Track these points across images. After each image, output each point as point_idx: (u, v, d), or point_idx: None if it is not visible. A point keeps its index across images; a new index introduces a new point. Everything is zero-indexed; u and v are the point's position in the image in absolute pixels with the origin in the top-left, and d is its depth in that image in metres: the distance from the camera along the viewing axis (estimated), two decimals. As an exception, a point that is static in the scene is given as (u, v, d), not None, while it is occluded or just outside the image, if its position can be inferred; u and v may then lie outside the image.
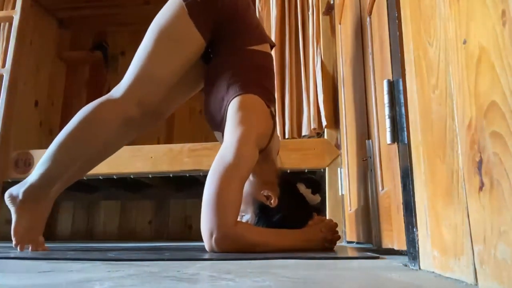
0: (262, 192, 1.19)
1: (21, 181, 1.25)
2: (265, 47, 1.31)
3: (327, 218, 1.61)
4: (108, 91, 1.31)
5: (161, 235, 3.00)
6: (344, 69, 1.80)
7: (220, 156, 1.06)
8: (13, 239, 1.19)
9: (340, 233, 1.19)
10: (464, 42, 0.46)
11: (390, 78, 0.76)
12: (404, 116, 0.69)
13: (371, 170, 1.15)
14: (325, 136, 2.09)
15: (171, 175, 2.23)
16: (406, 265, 0.66)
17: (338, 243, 1.31)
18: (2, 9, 2.72)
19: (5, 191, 1.24)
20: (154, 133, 3.16)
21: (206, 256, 0.88)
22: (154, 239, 2.94)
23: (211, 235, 0.96)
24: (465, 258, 0.45)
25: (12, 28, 2.53)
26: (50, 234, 3.00)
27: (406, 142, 0.68)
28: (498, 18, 0.39)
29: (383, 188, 1.03)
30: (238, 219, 1.10)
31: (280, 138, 1.84)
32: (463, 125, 0.46)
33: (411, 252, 0.64)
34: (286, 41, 2.29)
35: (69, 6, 3.14)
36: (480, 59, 0.42)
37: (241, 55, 1.27)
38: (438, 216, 0.54)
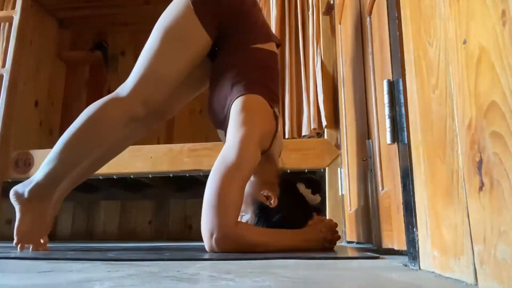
0: (262, 192, 1.19)
1: (21, 181, 1.25)
2: (270, 46, 1.31)
3: (327, 218, 1.61)
4: (108, 91, 1.31)
5: (161, 235, 3.00)
6: (344, 69, 1.80)
7: (222, 156, 1.06)
8: (14, 237, 1.19)
9: (340, 233, 1.19)
10: (464, 42, 0.46)
11: (390, 78, 0.76)
12: (404, 116, 0.69)
13: (371, 170, 1.15)
14: (325, 136, 2.09)
15: (171, 175, 2.23)
16: (406, 265, 0.66)
17: (338, 243, 1.31)
18: (2, 9, 2.72)
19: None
20: (154, 133, 3.16)
21: (206, 256, 0.88)
22: (154, 239, 2.94)
23: (211, 235, 0.96)
24: (465, 258, 0.45)
25: (12, 28, 2.53)
26: (50, 234, 2.99)
27: (406, 142, 0.68)
28: (498, 18, 0.39)
29: (383, 188, 1.03)
30: (238, 219, 1.10)
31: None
32: (463, 125, 0.46)
33: (411, 252, 0.64)
34: (286, 41, 2.29)
35: (69, 6, 3.14)
36: (480, 59, 0.42)
37: (246, 53, 1.27)
38: (438, 216, 0.54)
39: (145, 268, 0.63)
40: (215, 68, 1.30)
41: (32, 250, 1.18)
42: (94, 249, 1.27)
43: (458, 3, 0.48)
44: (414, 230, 0.62)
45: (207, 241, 0.97)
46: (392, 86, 0.75)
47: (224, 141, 1.24)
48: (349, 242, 1.74)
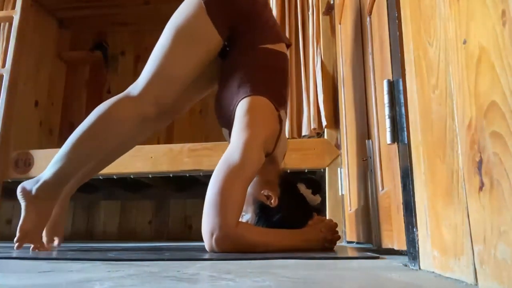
0: (262, 192, 1.19)
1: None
2: (280, 47, 1.31)
3: (327, 218, 1.61)
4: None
5: (161, 235, 3.00)
6: (344, 69, 1.80)
7: (225, 157, 1.06)
8: (17, 234, 1.19)
9: (340, 233, 1.19)
10: (464, 42, 0.46)
11: (390, 78, 0.76)
12: (404, 116, 0.69)
13: (371, 170, 1.15)
14: (325, 136, 2.09)
15: (171, 175, 2.23)
16: (406, 265, 0.66)
17: (338, 243, 1.31)
18: (2, 9, 2.72)
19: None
20: (154, 133, 3.16)
21: (206, 256, 0.88)
22: (154, 239, 2.94)
23: (212, 235, 0.96)
24: (465, 258, 0.45)
25: (12, 28, 2.53)
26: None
27: (406, 142, 0.68)
28: (498, 18, 0.39)
29: (383, 188, 1.03)
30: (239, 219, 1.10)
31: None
32: (463, 125, 0.46)
33: (411, 252, 0.64)
34: (286, 41, 2.28)
35: (69, 6, 3.14)
36: (480, 59, 0.42)
37: (255, 53, 1.26)
38: (438, 216, 0.54)
39: (145, 268, 0.63)
40: (225, 67, 1.30)
41: (33, 250, 1.18)
42: (94, 249, 1.27)
43: (458, 3, 0.48)
44: (414, 230, 0.62)
45: (207, 241, 0.97)
46: (392, 86, 0.74)
47: (228, 140, 1.24)
48: (349, 242, 1.74)
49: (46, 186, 1.20)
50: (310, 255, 0.88)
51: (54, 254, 1.04)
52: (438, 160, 0.54)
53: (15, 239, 1.18)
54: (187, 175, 2.21)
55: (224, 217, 0.96)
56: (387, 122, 0.74)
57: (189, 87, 1.30)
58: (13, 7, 2.63)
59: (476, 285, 0.43)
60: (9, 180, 2.28)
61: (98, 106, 1.24)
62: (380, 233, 1.05)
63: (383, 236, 1.01)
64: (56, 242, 1.34)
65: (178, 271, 0.59)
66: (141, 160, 2.17)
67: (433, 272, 0.55)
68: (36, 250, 1.17)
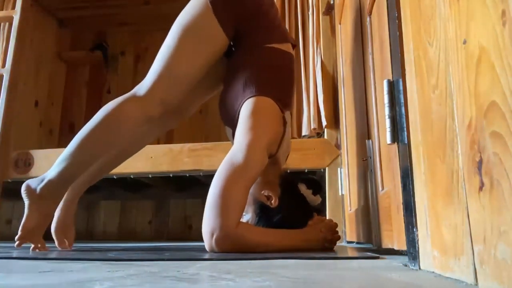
0: (262, 192, 1.19)
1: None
2: (286, 47, 1.31)
3: (327, 218, 1.61)
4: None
5: (161, 235, 3.00)
6: (344, 69, 1.80)
7: (229, 157, 1.06)
8: (19, 232, 1.18)
9: (340, 233, 1.19)
10: (464, 42, 0.46)
11: (390, 78, 0.76)
12: (404, 116, 0.69)
13: (371, 170, 1.15)
14: (325, 136, 2.09)
15: (171, 175, 2.23)
16: (406, 265, 0.66)
17: (338, 243, 1.31)
18: (2, 9, 2.72)
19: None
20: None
21: (206, 256, 0.88)
22: (154, 239, 2.94)
23: (212, 235, 0.96)
24: (465, 258, 0.45)
25: (12, 28, 2.53)
26: (49, 234, 3.00)
27: (406, 142, 0.68)
28: (498, 18, 0.39)
29: (383, 188, 1.03)
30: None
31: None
32: (463, 125, 0.46)
33: (411, 252, 0.64)
34: (286, 41, 2.28)
35: (69, 6, 3.14)
36: (480, 59, 0.42)
37: (261, 52, 1.26)
38: (438, 216, 0.54)
39: (145, 268, 0.63)
40: (230, 66, 1.30)
41: (32, 250, 1.18)
42: (94, 249, 1.27)
43: (458, 3, 0.48)
44: (414, 230, 0.62)
45: (207, 241, 0.97)
46: (392, 86, 0.74)
47: (231, 139, 1.24)
48: (349, 242, 1.74)
49: (51, 185, 1.20)
50: (310, 255, 0.88)
51: (54, 254, 1.04)
52: (438, 160, 0.54)
53: (17, 237, 1.18)
54: (187, 175, 2.21)
55: (225, 218, 0.96)
56: (387, 122, 0.74)
57: (195, 88, 1.30)
58: (13, 7, 2.63)
59: (476, 285, 0.43)
60: (9, 180, 2.28)
61: (104, 106, 1.24)
62: (380, 233, 1.05)
63: (383, 236, 1.01)
64: (66, 243, 1.34)
65: (178, 271, 0.59)
66: (141, 160, 2.17)
67: (433, 272, 0.55)
68: (36, 250, 1.17)
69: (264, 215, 1.18)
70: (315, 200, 1.28)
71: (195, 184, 2.60)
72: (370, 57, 1.16)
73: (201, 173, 2.17)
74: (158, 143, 3.07)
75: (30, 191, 1.20)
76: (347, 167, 1.74)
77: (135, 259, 0.80)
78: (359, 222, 1.40)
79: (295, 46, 1.38)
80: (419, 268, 0.60)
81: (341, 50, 1.89)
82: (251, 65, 1.24)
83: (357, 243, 1.54)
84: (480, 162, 0.42)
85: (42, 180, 1.21)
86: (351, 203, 1.66)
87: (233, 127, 1.20)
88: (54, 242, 1.31)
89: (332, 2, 2.21)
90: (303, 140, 2.13)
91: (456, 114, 0.49)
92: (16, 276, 0.57)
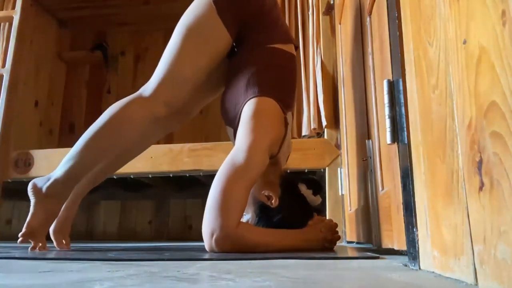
0: (263, 192, 1.19)
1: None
2: (289, 47, 1.31)
3: (327, 218, 1.61)
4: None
5: (161, 235, 3.00)
6: (344, 69, 1.80)
7: (230, 158, 1.06)
8: (23, 229, 1.19)
9: (340, 233, 1.19)
10: (464, 42, 0.46)
11: (390, 78, 0.76)
12: (404, 116, 0.69)
13: (371, 170, 1.15)
14: (325, 136, 2.09)
15: (171, 175, 2.23)
16: (406, 265, 0.66)
17: (338, 243, 1.31)
18: (2, 9, 2.72)
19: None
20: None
21: (206, 256, 0.88)
22: (154, 239, 2.94)
23: (212, 235, 0.96)
24: (465, 258, 0.45)
25: (12, 28, 2.53)
26: (48, 234, 3.00)
27: (406, 142, 0.68)
28: (498, 18, 0.39)
29: (383, 188, 1.03)
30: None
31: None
32: (463, 125, 0.46)
33: (411, 252, 0.64)
34: (286, 41, 2.28)
35: (69, 6, 3.14)
36: (480, 59, 0.42)
37: (263, 52, 1.26)
38: (438, 216, 0.54)
39: (145, 268, 0.63)
40: (232, 66, 1.30)
41: (31, 249, 1.18)
42: (94, 249, 1.27)
43: (458, 3, 0.48)
44: (414, 230, 0.62)
45: (207, 241, 0.97)
46: (392, 86, 0.74)
47: (232, 139, 1.24)
48: (349, 242, 1.74)
49: (56, 185, 1.21)
50: (310, 255, 0.88)
51: (54, 254, 1.04)
52: (438, 160, 0.54)
53: (20, 233, 1.19)
54: (187, 175, 2.21)
55: (225, 218, 0.96)
56: (387, 122, 0.74)
57: (199, 88, 1.30)
58: (13, 7, 2.63)
59: (476, 285, 0.43)
60: (9, 180, 2.28)
61: (111, 106, 1.25)
62: (380, 233, 1.05)
63: (383, 236, 1.01)
64: (64, 243, 1.34)
65: (178, 271, 0.59)
66: (141, 160, 2.16)
67: (433, 272, 0.55)
68: (36, 250, 1.17)
69: (264, 215, 1.18)
70: (315, 200, 1.28)
71: (195, 184, 2.60)
72: (370, 57, 1.16)
73: (201, 173, 2.17)
74: (158, 143, 3.07)
75: (36, 189, 1.21)
76: (347, 167, 1.74)
77: (135, 259, 0.80)
78: (359, 222, 1.40)
79: (297, 47, 1.39)
80: (419, 268, 0.60)
81: (341, 50, 1.89)
82: (253, 65, 1.24)
83: (357, 243, 1.54)
84: (480, 162, 0.42)
85: (48, 179, 1.22)
86: (351, 203, 1.66)
87: (235, 127, 1.20)
88: (52, 242, 1.31)
89: (332, 2, 2.21)
90: (303, 140, 2.13)
91: (456, 114, 0.49)
92: (16, 276, 0.57)
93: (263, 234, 1.07)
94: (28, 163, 2.29)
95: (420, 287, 0.46)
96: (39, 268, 0.67)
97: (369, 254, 0.91)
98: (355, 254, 0.97)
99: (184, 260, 0.81)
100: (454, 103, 0.49)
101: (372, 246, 1.14)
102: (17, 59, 2.50)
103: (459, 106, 0.48)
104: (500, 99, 0.38)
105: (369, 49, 1.17)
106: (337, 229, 1.15)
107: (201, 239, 1.00)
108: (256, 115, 1.14)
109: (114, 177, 2.24)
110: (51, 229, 1.30)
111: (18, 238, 1.19)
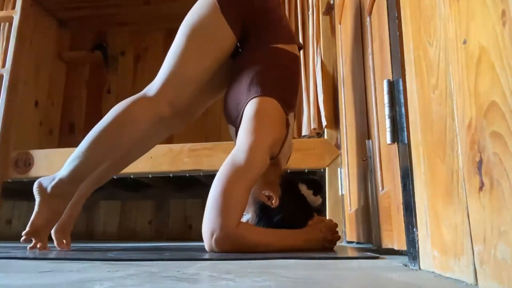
0: (263, 192, 1.19)
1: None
2: (292, 48, 1.30)
3: (327, 218, 1.61)
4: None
5: (161, 235, 3.00)
6: (344, 69, 1.80)
7: (230, 158, 1.06)
8: (27, 227, 1.19)
9: (340, 233, 1.19)
10: (464, 42, 0.46)
11: (390, 78, 0.76)
12: (404, 116, 0.69)
13: (371, 170, 1.15)
14: (325, 136, 2.09)
15: (171, 175, 2.23)
16: (406, 265, 0.66)
17: (338, 243, 1.31)
18: (2, 9, 2.72)
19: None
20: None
21: (206, 256, 0.88)
22: (154, 239, 2.94)
23: (212, 235, 0.96)
24: (465, 258, 0.45)
25: (12, 28, 2.53)
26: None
27: (406, 142, 0.68)
28: (498, 18, 0.39)
29: (383, 188, 1.03)
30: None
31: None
32: (463, 125, 0.46)
33: (411, 252, 0.64)
34: (286, 41, 2.28)
35: (69, 6, 3.13)
36: (480, 59, 0.42)
37: (267, 52, 1.26)
38: (438, 216, 0.54)
39: (145, 268, 0.63)
40: (236, 65, 1.30)
41: (30, 249, 1.18)
42: (94, 249, 1.27)
43: (458, 3, 0.48)
44: (414, 230, 0.62)
45: (207, 241, 0.97)
46: (392, 86, 0.74)
47: (234, 138, 1.24)
48: (349, 242, 1.74)
49: (61, 184, 1.21)
50: (310, 255, 0.88)
51: (54, 254, 1.04)
52: (438, 160, 0.54)
53: (24, 232, 1.19)
54: (187, 175, 2.21)
55: (225, 218, 0.96)
56: (387, 122, 0.74)
57: (203, 88, 1.30)
58: (13, 7, 2.63)
59: (476, 285, 0.43)
60: (9, 180, 2.28)
61: (115, 106, 1.25)
62: (380, 233, 1.05)
63: (383, 236, 1.01)
64: (65, 243, 1.34)
65: (178, 271, 0.59)
66: (141, 160, 2.15)
67: (433, 272, 0.55)
68: (36, 250, 1.17)
69: (264, 215, 1.18)
70: (315, 200, 1.28)
71: (195, 184, 2.60)
72: (370, 57, 1.16)
73: (201, 173, 2.17)
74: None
75: (41, 189, 1.21)
76: (347, 167, 1.74)
77: (135, 259, 0.80)
78: (359, 222, 1.40)
79: (301, 48, 1.38)
80: (419, 268, 0.60)
81: (341, 50, 1.89)
82: (256, 65, 1.24)
83: (357, 243, 1.54)
84: (480, 162, 0.42)
85: (53, 179, 1.22)
86: (351, 203, 1.66)
87: (237, 126, 1.20)
88: (53, 242, 1.31)
89: (332, 2, 2.21)
90: (303, 140, 2.13)
91: (456, 114, 0.49)
92: (16, 276, 0.57)
93: (263, 234, 1.07)
94: (28, 163, 2.29)
95: (420, 287, 0.46)
96: (39, 268, 0.67)
97: (369, 254, 0.91)
98: (355, 254, 0.97)
99: (184, 260, 0.81)
100: (454, 103, 0.49)
101: (372, 246, 1.14)
102: (17, 59, 2.50)
103: (459, 106, 0.48)
104: (500, 99, 0.38)
105: (369, 49, 1.17)
106: (337, 229, 1.15)
107: (201, 239, 1.00)
108: (258, 115, 1.14)
109: (114, 177, 2.23)
110: (53, 229, 1.30)
111: (18, 238, 1.19)
